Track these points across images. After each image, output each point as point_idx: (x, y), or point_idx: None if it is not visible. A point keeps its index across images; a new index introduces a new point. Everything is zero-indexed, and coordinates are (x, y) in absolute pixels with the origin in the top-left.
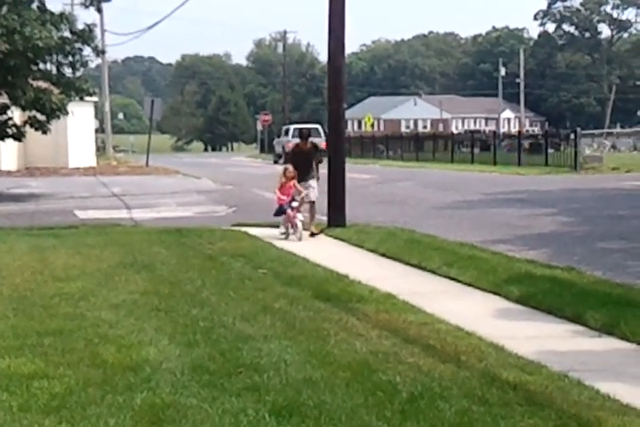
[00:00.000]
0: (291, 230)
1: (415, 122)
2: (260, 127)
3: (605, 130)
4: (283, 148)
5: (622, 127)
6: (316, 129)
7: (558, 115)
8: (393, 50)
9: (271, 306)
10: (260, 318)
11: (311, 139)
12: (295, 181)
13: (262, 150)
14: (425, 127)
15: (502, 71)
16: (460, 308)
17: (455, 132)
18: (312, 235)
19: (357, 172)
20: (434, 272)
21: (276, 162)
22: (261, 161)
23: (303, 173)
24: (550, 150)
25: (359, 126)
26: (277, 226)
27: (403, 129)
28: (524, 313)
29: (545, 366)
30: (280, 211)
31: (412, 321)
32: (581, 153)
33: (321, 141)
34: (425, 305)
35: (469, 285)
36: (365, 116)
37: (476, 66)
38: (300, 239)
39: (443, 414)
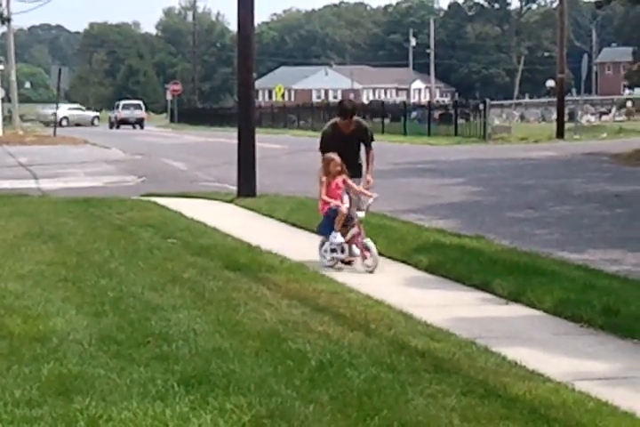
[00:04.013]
0: (352, 257)
1: (326, 92)
2: (169, 97)
3: (514, 101)
4: (115, 117)
5: (531, 98)
6: (139, 104)
7: (468, 85)
8: (304, 19)
9: (180, 276)
10: (169, 288)
11: (356, 118)
12: (346, 177)
13: (172, 120)
14: (336, 97)
15: (413, 42)
16: (371, 276)
17: (366, 102)
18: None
19: (268, 142)
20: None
21: (110, 127)
22: (172, 131)
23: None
24: (460, 121)
25: (270, 96)
26: (190, 196)
27: (314, 99)
28: (434, 282)
29: (453, 333)
30: (329, 224)
31: (323, 290)
32: (490, 123)
33: (141, 114)
34: (335, 274)
35: (380, 254)
36: (276, 85)
37: (387, 36)
38: (374, 269)
39: (351, 381)
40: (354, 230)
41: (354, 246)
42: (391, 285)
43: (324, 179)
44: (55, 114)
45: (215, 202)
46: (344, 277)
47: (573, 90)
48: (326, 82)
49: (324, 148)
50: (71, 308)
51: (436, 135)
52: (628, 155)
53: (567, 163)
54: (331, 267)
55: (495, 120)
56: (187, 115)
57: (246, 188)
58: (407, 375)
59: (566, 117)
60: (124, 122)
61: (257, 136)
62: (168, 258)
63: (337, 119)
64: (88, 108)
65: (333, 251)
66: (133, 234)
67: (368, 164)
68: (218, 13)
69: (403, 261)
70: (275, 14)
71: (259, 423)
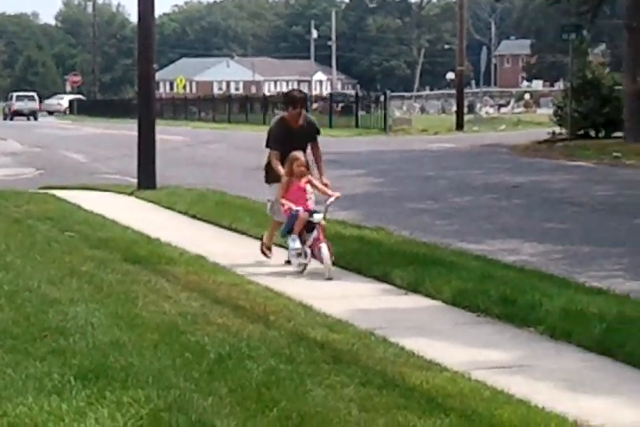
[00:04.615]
0: (305, 260)
1: (228, 84)
2: (69, 88)
3: (415, 93)
4: (9, 109)
5: (431, 90)
6: (32, 96)
7: (370, 77)
8: (205, 11)
9: (78, 269)
10: (67, 281)
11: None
12: (311, 178)
13: (72, 112)
14: (237, 89)
15: (314, 34)
16: (271, 269)
17: (267, 94)
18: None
19: (169, 133)
20: (245, 233)
21: (4, 119)
22: (71, 122)
23: None
24: (361, 112)
25: (171, 88)
26: (90, 189)
27: (215, 91)
28: (334, 273)
29: (352, 324)
30: (292, 226)
31: (222, 282)
32: (391, 115)
33: (35, 105)
34: (235, 266)
35: (279, 246)
36: (177, 77)
37: (289, 28)
38: (330, 277)
39: (250, 373)
40: (314, 234)
41: (322, 244)
42: (291, 276)
43: (284, 179)
44: None
45: (115, 194)
46: (243, 269)
47: (473, 82)
48: (228, 74)
49: (272, 145)
50: None
51: (338, 127)
52: (526, 146)
53: (466, 154)
54: (301, 273)
55: (396, 112)
56: (87, 106)
57: (146, 180)
58: (306, 367)
59: (466, 109)
60: (17, 113)
61: (158, 128)
62: (66, 251)
63: (283, 114)
64: None
65: (299, 255)
66: (31, 227)
67: (319, 162)
68: (118, 4)
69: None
70: (176, 6)
71: (156, 417)
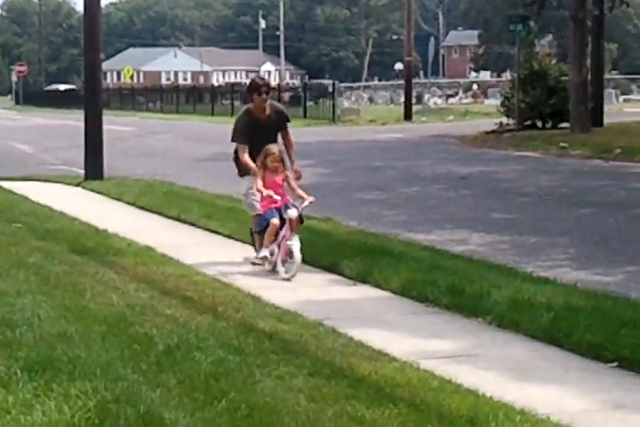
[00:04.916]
0: (278, 258)
1: (175, 74)
2: (14, 78)
3: (363, 83)
4: None
5: (380, 80)
6: None
7: (318, 68)
8: (152, 1)
9: (25, 261)
10: (14, 272)
11: (270, 101)
12: (288, 176)
13: (18, 102)
14: (185, 79)
15: (262, 24)
16: (219, 259)
17: (216, 84)
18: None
19: (116, 124)
20: (193, 224)
21: None
22: (17, 113)
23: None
24: (310, 103)
25: (118, 78)
26: (37, 179)
27: (163, 81)
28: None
29: (301, 315)
30: (266, 222)
31: (171, 273)
32: (340, 106)
33: None
34: (184, 257)
35: (229, 237)
36: (125, 67)
37: (237, 18)
38: (292, 277)
39: (199, 364)
40: (283, 231)
41: (292, 242)
42: (240, 267)
43: (257, 172)
44: None
45: (62, 185)
46: (191, 259)
47: (421, 73)
48: (175, 64)
49: (238, 139)
50: None
51: None
52: (474, 137)
53: (415, 145)
54: (271, 271)
55: (344, 102)
56: (33, 97)
57: (94, 171)
58: (255, 358)
59: (414, 100)
60: None
61: (105, 118)
62: (12, 243)
63: (250, 106)
64: None
65: (271, 254)
66: None
67: (290, 150)
68: None
69: (252, 244)
70: None
71: (104, 409)
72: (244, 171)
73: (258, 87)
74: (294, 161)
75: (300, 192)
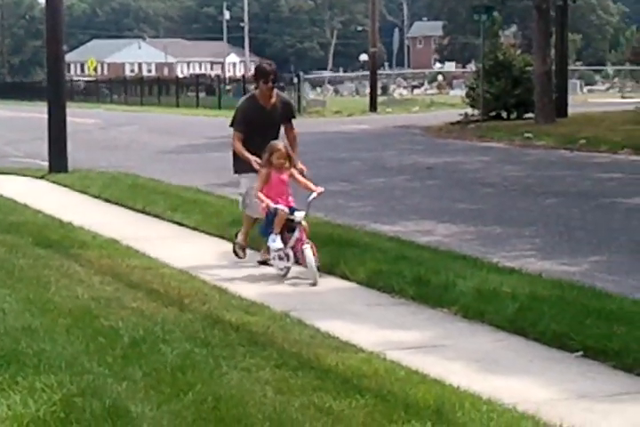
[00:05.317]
0: (289, 263)
1: (140, 66)
2: None
3: (328, 74)
4: None
5: (345, 72)
6: None
7: (283, 59)
8: None
9: None
10: None
11: (276, 91)
12: (294, 172)
13: None
14: (150, 71)
15: (227, 15)
16: (185, 252)
17: (180, 76)
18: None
19: (80, 116)
20: (159, 217)
21: None
22: None
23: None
24: None
25: (82, 70)
26: (0, 172)
27: (127, 73)
28: (249, 255)
29: (267, 306)
30: (269, 225)
31: (136, 266)
32: (305, 97)
33: None
34: (149, 250)
35: (194, 229)
36: (88, 59)
37: (201, 9)
38: (315, 283)
39: (165, 357)
40: (296, 234)
41: (306, 246)
42: (205, 259)
43: (263, 171)
44: None
45: (26, 178)
46: (157, 251)
47: (386, 64)
48: (140, 55)
49: (237, 126)
50: None
51: None
52: (439, 128)
53: (380, 136)
54: (284, 276)
55: (309, 94)
56: None
57: (58, 163)
58: (221, 350)
59: (379, 91)
60: None
61: (68, 110)
62: None
63: (254, 92)
64: None
65: (281, 258)
66: None
67: (293, 147)
68: None
69: (218, 236)
70: None
71: (69, 402)
72: (243, 167)
73: (266, 74)
74: (297, 158)
75: (309, 184)
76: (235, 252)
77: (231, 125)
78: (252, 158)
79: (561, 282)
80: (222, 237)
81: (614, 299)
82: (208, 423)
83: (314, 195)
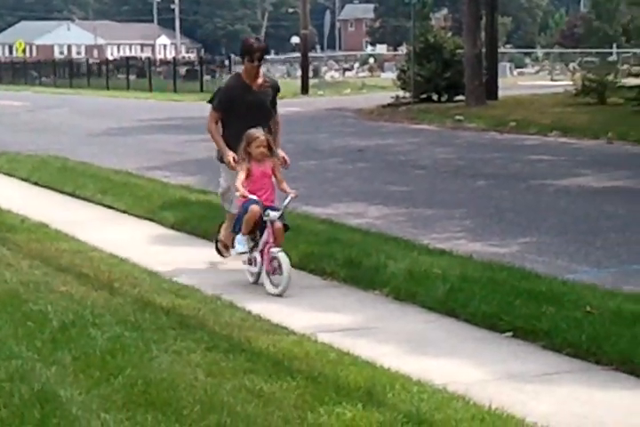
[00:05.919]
0: (262, 268)
1: (69, 48)
2: None
3: None
4: None
5: (276, 54)
6: None
7: (214, 41)
8: None
9: None
10: None
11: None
12: (276, 163)
13: None
14: (79, 53)
15: None
16: (115, 235)
17: (110, 58)
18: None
19: (8, 99)
20: (88, 200)
21: None
22: None
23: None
24: (206, 77)
25: (10, 52)
26: None
27: (56, 55)
28: (180, 239)
29: (198, 289)
30: (244, 211)
31: (65, 250)
32: None
33: None
34: (79, 233)
35: (124, 212)
36: (16, 41)
37: None
38: (282, 292)
39: (94, 341)
40: (264, 237)
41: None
42: (136, 243)
43: (243, 166)
44: None
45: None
46: (87, 235)
47: (318, 46)
48: (69, 37)
49: (216, 103)
50: None
51: (182, 91)
52: (371, 110)
53: (312, 118)
54: (254, 283)
55: None
56: None
57: None
58: (152, 333)
59: (311, 73)
60: None
61: None
62: None
63: (240, 71)
64: None
65: (249, 263)
66: None
67: (277, 133)
68: None
69: (148, 219)
70: None
71: None
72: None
73: (250, 51)
74: (279, 146)
75: (285, 185)
76: (218, 250)
77: (209, 102)
78: (230, 154)
79: (491, 263)
80: (152, 220)
81: (543, 280)
82: (138, 407)
83: (288, 199)
